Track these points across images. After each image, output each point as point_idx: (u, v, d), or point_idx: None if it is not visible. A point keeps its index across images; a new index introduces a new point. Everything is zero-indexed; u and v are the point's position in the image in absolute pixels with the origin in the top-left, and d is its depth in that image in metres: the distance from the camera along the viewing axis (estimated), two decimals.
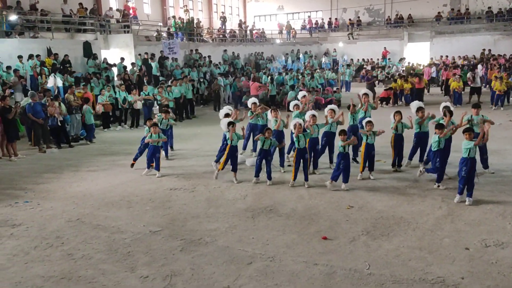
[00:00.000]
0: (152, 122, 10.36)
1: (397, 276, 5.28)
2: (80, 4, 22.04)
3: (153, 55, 21.88)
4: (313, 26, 38.55)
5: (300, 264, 5.63)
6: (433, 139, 8.61)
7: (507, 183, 8.65)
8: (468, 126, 8.35)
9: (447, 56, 29.06)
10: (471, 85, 20.48)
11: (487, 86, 21.55)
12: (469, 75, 21.06)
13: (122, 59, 20.64)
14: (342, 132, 8.87)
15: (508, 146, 11.72)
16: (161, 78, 20.58)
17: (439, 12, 34.60)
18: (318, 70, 27.56)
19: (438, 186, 8.48)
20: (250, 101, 11.50)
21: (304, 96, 11.77)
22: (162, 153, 11.29)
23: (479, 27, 32.27)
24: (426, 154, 9.67)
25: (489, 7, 32.99)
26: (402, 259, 5.69)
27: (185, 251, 6.12)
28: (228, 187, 9.01)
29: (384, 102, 20.75)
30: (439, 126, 8.51)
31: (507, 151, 11.19)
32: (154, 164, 10.01)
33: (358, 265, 5.56)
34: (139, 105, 16.55)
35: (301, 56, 33.35)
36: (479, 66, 25.27)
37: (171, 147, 12.11)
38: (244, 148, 11.59)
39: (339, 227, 6.79)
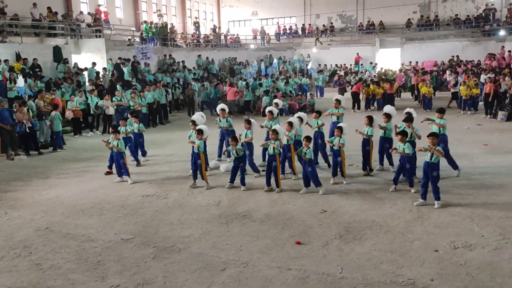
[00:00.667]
0: (114, 129, 10.28)
1: (369, 279, 5.35)
2: (49, 8, 21.54)
3: (126, 60, 21.60)
4: (282, 32, 38.85)
5: (274, 270, 5.64)
6: (398, 147, 8.65)
7: (475, 186, 8.86)
8: (432, 131, 8.51)
9: (417, 62, 29.73)
10: (452, 90, 20.84)
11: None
12: (451, 79, 21.37)
13: (94, 63, 20.30)
14: (306, 138, 8.90)
15: (476, 149, 12.03)
16: (133, 83, 20.33)
17: (409, 19, 35.39)
18: (292, 75, 27.72)
19: (411, 189, 8.62)
20: (219, 107, 11.49)
21: (270, 111, 10.88)
22: (132, 159, 11.24)
23: (448, 34, 33.13)
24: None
25: (456, 15, 33.95)
26: (374, 262, 5.76)
27: (158, 258, 6.05)
28: (202, 193, 8.96)
29: (356, 106, 21.08)
30: (401, 133, 8.65)
31: (475, 154, 11.49)
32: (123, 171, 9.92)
33: (331, 269, 5.60)
34: (111, 110, 16.31)
35: (274, 61, 33.53)
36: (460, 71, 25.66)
37: (142, 154, 11.96)
38: (219, 156, 11.53)
39: (312, 232, 6.83)
